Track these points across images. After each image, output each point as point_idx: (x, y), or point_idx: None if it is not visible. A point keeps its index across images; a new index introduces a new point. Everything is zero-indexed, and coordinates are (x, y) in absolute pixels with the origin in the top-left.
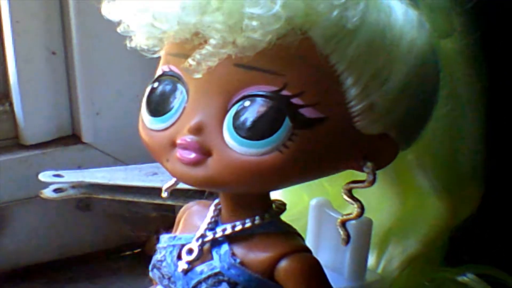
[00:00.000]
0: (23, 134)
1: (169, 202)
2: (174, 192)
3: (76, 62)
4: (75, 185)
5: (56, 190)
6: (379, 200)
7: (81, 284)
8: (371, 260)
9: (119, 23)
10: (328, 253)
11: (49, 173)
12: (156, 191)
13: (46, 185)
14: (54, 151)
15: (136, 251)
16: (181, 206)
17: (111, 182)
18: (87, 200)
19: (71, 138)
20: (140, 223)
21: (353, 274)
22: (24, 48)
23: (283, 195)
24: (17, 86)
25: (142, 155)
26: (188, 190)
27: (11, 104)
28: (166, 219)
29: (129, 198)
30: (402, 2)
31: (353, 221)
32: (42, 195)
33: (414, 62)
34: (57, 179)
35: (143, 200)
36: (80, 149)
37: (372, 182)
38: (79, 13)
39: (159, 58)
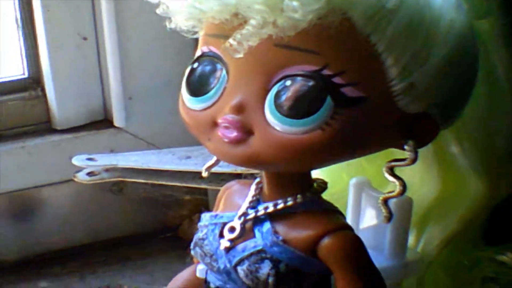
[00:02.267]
0: (56, 118)
1: (203, 186)
2: (208, 175)
3: (107, 47)
4: (109, 169)
5: (89, 174)
6: (418, 179)
7: (114, 267)
8: (411, 239)
9: (158, 5)
10: (368, 232)
11: (82, 157)
12: (190, 174)
13: (79, 169)
14: (86, 135)
15: (169, 234)
16: (214, 190)
17: (145, 166)
18: (120, 183)
19: (103, 122)
20: (173, 206)
21: (394, 252)
22: (55, 34)
23: (322, 175)
24: (49, 71)
25: (174, 139)
26: (222, 173)
27: (43, 89)
28: (199, 203)
29: (162, 182)
30: None
31: (394, 200)
32: (76, 179)
33: (454, 42)
34: (90, 163)
35: (176, 183)
36: (112, 133)
37: (414, 160)
38: None
39: (190, 42)
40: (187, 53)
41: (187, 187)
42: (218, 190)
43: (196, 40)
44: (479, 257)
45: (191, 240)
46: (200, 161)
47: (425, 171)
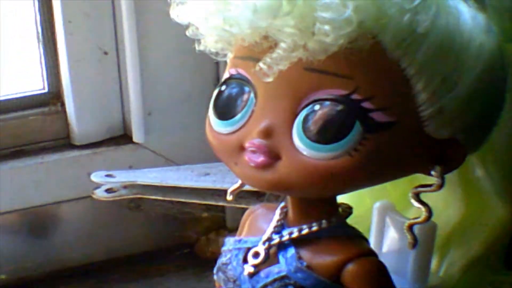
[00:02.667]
0: (75, 134)
1: (221, 203)
2: (226, 193)
3: (128, 62)
4: (127, 185)
5: (108, 190)
6: (442, 202)
7: (130, 284)
8: (433, 263)
9: (187, 26)
10: (390, 256)
11: (101, 173)
12: (208, 191)
13: (97, 185)
14: (105, 151)
15: (186, 251)
16: (232, 207)
17: (163, 183)
18: (138, 200)
19: (123, 138)
20: (190, 223)
21: (416, 277)
22: (76, 48)
23: (345, 198)
24: (69, 86)
25: (193, 155)
26: (241, 191)
27: (63, 104)
28: (217, 220)
29: (180, 199)
30: (471, 6)
31: (418, 225)
32: (94, 196)
33: (483, 67)
34: (109, 180)
35: (195, 200)
36: (131, 149)
37: (441, 186)
38: (131, 13)
39: (211, 58)
40: (207, 70)
41: (205, 204)
42: (236, 208)
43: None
44: (501, 281)
45: (208, 257)
46: (219, 178)
47: (449, 194)
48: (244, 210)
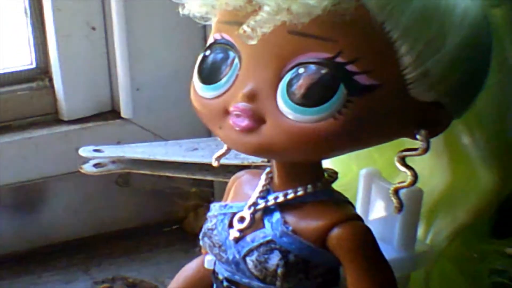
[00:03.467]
0: (63, 109)
1: (209, 178)
2: (214, 168)
3: (116, 38)
4: (115, 160)
5: (96, 165)
6: (428, 170)
7: (119, 259)
8: (420, 231)
9: None
10: (377, 223)
11: (89, 148)
12: (196, 166)
13: (85, 160)
14: (93, 126)
15: (174, 227)
16: (220, 182)
17: (151, 158)
18: (126, 175)
19: (111, 113)
20: (179, 199)
21: (403, 244)
22: (64, 23)
23: (332, 165)
24: (57, 61)
25: (182, 131)
26: (229, 165)
27: (51, 80)
28: (205, 195)
29: (169, 174)
30: None
31: (404, 191)
32: (82, 170)
33: (468, 31)
34: (97, 154)
35: (183, 175)
36: (119, 124)
37: (426, 150)
38: None
39: (199, 33)
40: (196, 45)
41: (193, 179)
42: (225, 182)
43: (205, 31)
44: (488, 250)
45: (197, 233)
46: (207, 153)
47: (435, 162)
48: None
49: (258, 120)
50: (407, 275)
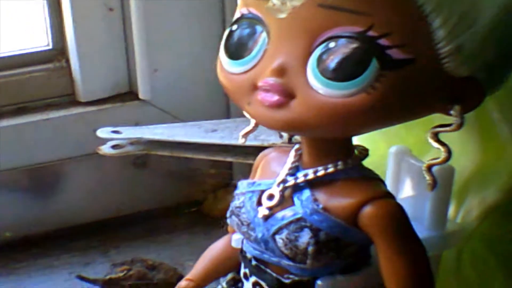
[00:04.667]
0: (80, 90)
1: (229, 159)
2: (234, 149)
3: (133, 19)
4: (133, 142)
5: (114, 147)
6: (458, 148)
7: (137, 242)
8: (450, 210)
9: None
10: (407, 201)
11: (107, 130)
12: (215, 147)
13: (103, 141)
14: (111, 108)
15: (193, 209)
16: (239, 163)
17: (170, 139)
18: (144, 157)
19: (128, 95)
20: (197, 181)
21: (434, 223)
22: (81, 4)
23: (360, 143)
24: (74, 43)
25: (200, 112)
26: (248, 146)
27: (67, 61)
28: (224, 176)
29: (188, 155)
30: None
31: (436, 168)
32: (100, 152)
33: (502, 5)
34: (115, 136)
35: (202, 156)
36: (137, 106)
37: (460, 125)
38: None
39: (217, 15)
40: (214, 26)
41: (212, 160)
42: (244, 164)
43: (223, 13)
44: None
45: (216, 214)
46: (226, 134)
47: (465, 139)
48: (251, 166)
49: (287, 95)
50: (438, 254)
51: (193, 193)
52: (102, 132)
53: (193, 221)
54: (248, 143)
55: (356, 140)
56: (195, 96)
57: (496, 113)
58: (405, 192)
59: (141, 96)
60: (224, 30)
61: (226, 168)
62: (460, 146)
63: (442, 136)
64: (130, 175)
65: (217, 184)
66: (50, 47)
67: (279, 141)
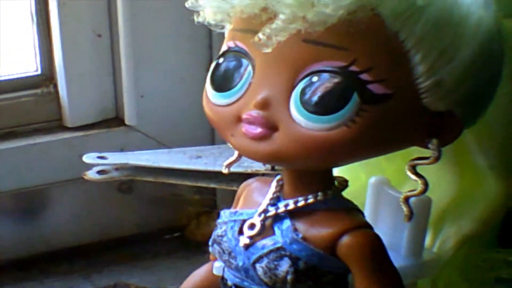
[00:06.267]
0: (67, 116)
1: (212, 185)
2: (217, 175)
3: (121, 45)
4: (119, 167)
5: (99, 172)
6: (436, 179)
7: (120, 267)
8: (427, 239)
9: None
10: (385, 231)
11: (93, 155)
12: (200, 174)
13: (88, 167)
14: (97, 133)
15: (176, 234)
16: (223, 190)
17: (155, 165)
18: (129, 182)
19: (115, 120)
20: (181, 207)
21: (411, 252)
22: (70, 30)
23: (340, 174)
24: (62, 68)
25: (186, 138)
26: (232, 173)
27: (55, 86)
28: (208, 203)
29: (172, 181)
30: None
31: (413, 199)
32: (85, 177)
33: (481, 40)
34: (101, 161)
35: (186, 183)
36: (123, 131)
37: (437, 158)
38: None
39: (204, 41)
40: (201, 53)
41: (196, 186)
42: (228, 190)
43: (210, 39)
44: (493, 259)
45: (199, 240)
46: (210, 161)
47: (443, 170)
48: (235, 193)
49: (270, 128)
50: (414, 283)
51: (177, 219)
52: (88, 158)
53: (176, 246)
54: (232, 169)
55: (337, 171)
56: (181, 123)
57: (473, 144)
58: (384, 222)
59: (127, 121)
60: (211, 56)
61: (210, 194)
62: (437, 176)
63: (419, 167)
64: (114, 200)
65: (201, 210)
66: (39, 72)
67: (263, 168)
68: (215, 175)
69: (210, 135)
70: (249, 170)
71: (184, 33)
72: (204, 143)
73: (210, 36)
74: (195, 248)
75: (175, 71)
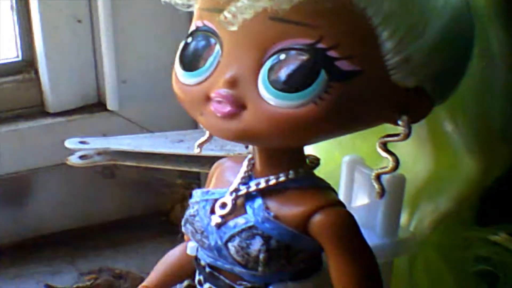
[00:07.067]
0: (49, 101)
1: (195, 169)
2: (200, 159)
3: (101, 30)
4: (101, 152)
5: (81, 157)
6: (411, 158)
7: (105, 251)
8: (403, 218)
9: None
10: (360, 210)
11: (75, 140)
12: (182, 158)
13: (71, 152)
14: (79, 118)
15: (161, 219)
16: (206, 173)
17: (137, 149)
18: (112, 167)
19: (97, 106)
20: (165, 190)
21: (386, 230)
22: (50, 16)
23: (315, 153)
24: (43, 54)
25: (167, 123)
26: (214, 156)
27: (36, 72)
28: (191, 187)
29: (154, 165)
30: None
31: (387, 177)
32: (68, 162)
33: (449, 17)
34: (83, 146)
35: (169, 167)
36: (105, 117)
37: (407, 135)
38: None
39: (185, 26)
40: (182, 37)
41: (179, 170)
42: None
43: (190, 23)
44: (471, 237)
45: None
46: (192, 145)
47: (418, 149)
48: None
49: (239, 106)
50: (390, 261)
51: (161, 203)
52: (70, 143)
53: (160, 231)
54: (214, 153)
55: (311, 150)
56: (163, 107)
57: (448, 124)
58: (358, 200)
59: (109, 107)
60: None
61: (193, 178)
62: (414, 155)
63: (396, 145)
64: (98, 185)
65: (184, 194)
66: (20, 58)
67: (245, 151)
68: (198, 159)
69: (193, 120)
70: (231, 154)
71: (165, 18)
72: (186, 127)
73: (190, 20)
74: (180, 232)
75: (156, 56)
